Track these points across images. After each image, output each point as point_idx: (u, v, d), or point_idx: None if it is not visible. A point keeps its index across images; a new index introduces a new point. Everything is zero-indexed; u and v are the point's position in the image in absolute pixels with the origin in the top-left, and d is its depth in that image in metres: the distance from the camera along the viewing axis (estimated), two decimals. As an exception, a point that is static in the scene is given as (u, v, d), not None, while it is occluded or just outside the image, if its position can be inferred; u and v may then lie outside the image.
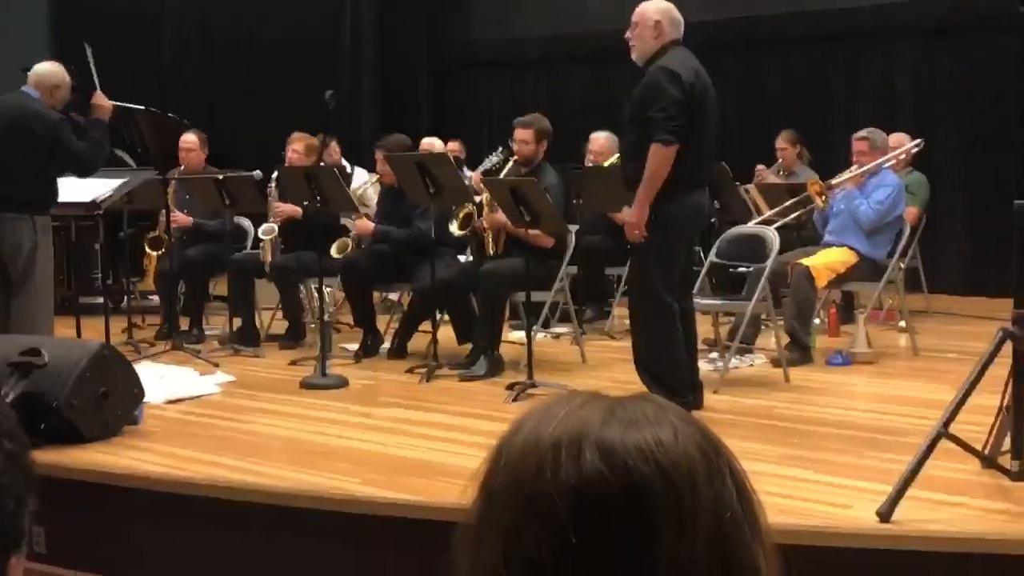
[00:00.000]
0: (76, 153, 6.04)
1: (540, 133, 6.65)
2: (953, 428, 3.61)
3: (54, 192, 6.14)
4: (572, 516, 0.96)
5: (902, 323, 7.24)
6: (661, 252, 4.94)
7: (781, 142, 8.60)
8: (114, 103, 6.59)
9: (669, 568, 0.95)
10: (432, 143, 8.02)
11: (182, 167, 7.82)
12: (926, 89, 9.52)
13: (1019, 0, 3.74)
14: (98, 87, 6.59)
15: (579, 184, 7.17)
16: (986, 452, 3.87)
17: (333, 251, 7.23)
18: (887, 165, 6.88)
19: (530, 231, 5.91)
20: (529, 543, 0.97)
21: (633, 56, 5.09)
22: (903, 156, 7.50)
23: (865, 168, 6.73)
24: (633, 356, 5.17)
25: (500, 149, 7.14)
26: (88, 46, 6.97)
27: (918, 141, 7.56)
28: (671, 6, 5.11)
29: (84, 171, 6.19)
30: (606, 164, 7.84)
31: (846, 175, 6.78)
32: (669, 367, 5.01)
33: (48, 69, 6.23)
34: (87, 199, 6.50)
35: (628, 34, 5.08)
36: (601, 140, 8.00)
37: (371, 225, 7.20)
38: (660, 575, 0.95)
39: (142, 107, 9.26)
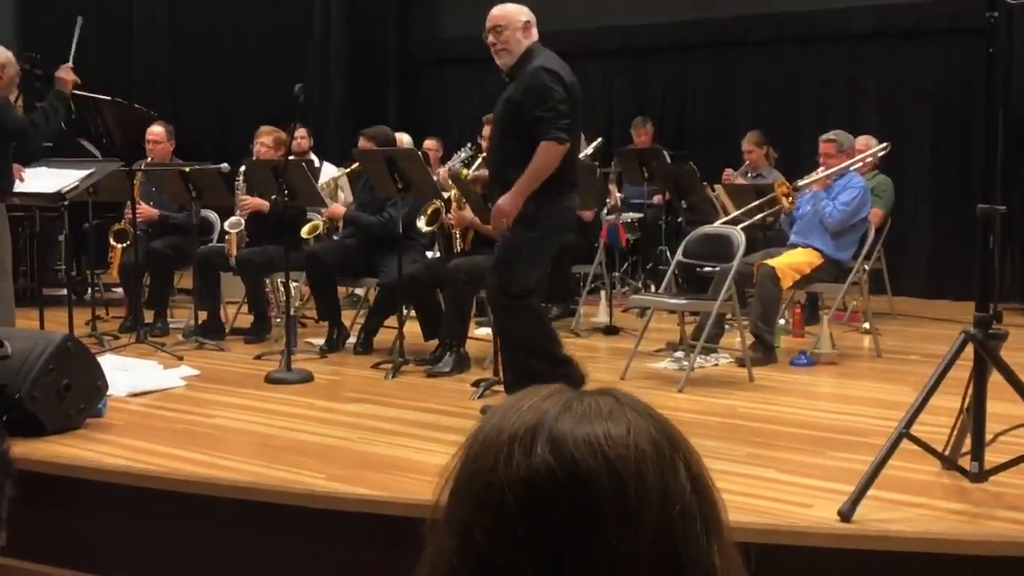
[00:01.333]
0: (17, 127, 5.93)
1: (509, 130, 6.65)
2: (914, 429, 3.64)
3: (7, 179, 6.03)
4: (520, 507, 0.97)
5: (866, 325, 7.30)
6: (535, 251, 4.89)
7: (748, 144, 8.65)
8: (83, 93, 6.54)
9: (613, 560, 0.96)
10: (401, 139, 7.99)
11: (148, 159, 7.77)
12: (892, 92, 9.60)
13: (987, 4, 3.77)
14: (71, 61, 6.51)
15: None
16: (947, 453, 3.91)
17: (304, 232, 7.22)
18: (853, 168, 6.93)
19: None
20: (480, 535, 0.98)
21: (502, 61, 4.97)
22: (870, 159, 7.56)
23: (832, 170, 6.78)
24: (504, 373, 5.08)
25: (469, 145, 7.15)
26: (80, 18, 6.90)
27: (885, 144, 7.62)
28: (525, 7, 5.04)
29: (31, 144, 6.07)
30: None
31: (813, 177, 6.83)
32: (546, 351, 4.96)
33: None
34: (52, 190, 6.42)
35: (491, 39, 4.94)
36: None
37: (341, 208, 7.20)
38: (604, 568, 0.96)
39: (108, 98, 9.18)
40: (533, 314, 4.96)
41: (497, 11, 4.98)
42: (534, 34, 4.97)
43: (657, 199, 9.01)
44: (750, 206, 7.23)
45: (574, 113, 4.83)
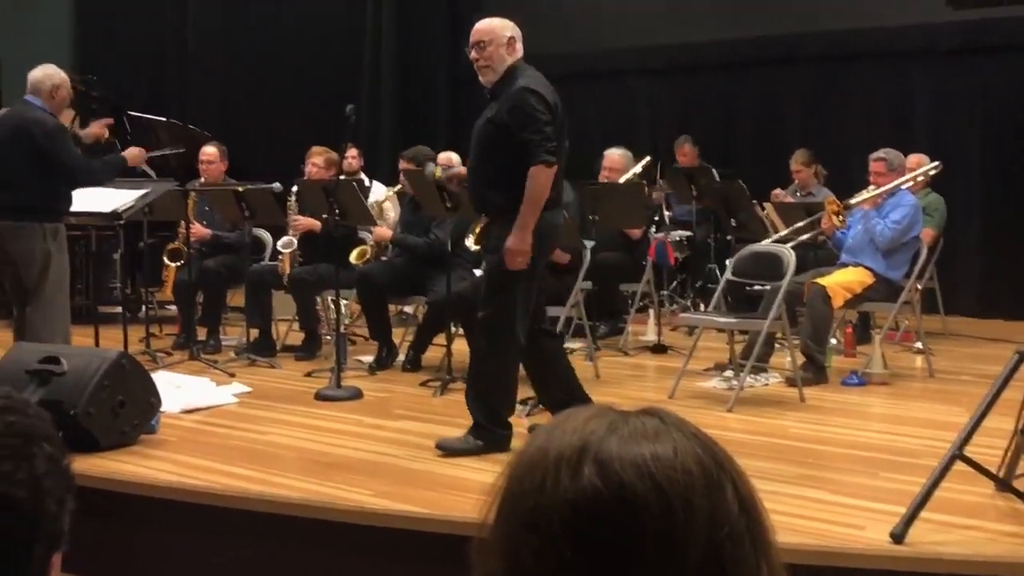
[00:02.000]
0: (66, 162, 6.02)
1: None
2: (968, 450, 3.60)
3: (64, 198, 6.14)
4: (568, 530, 0.97)
5: (918, 344, 7.22)
6: (527, 276, 4.74)
7: (796, 163, 8.58)
8: (138, 114, 6.68)
9: None
10: (450, 157, 8.05)
11: (202, 179, 7.87)
12: (942, 110, 9.49)
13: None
14: (148, 153, 6.75)
15: (595, 200, 7.19)
16: (1000, 475, 3.86)
17: (352, 257, 7.29)
18: (905, 186, 6.87)
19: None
20: (528, 556, 0.99)
21: (484, 78, 4.83)
22: (921, 178, 7.49)
23: (883, 188, 6.73)
24: (467, 388, 5.01)
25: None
26: (128, 115, 7.08)
27: (936, 163, 7.55)
28: (510, 22, 4.91)
29: (73, 184, 6.14)
30: (621, 180, 7.86)
31: (864, 195, 6.78)
32: (502, 399, 4.86)
33: (44, 72, 6.20)
34: (108, 209, 6.53)
35: (474, 55, 4.80)
36: (615, 157, 8.02)
37: (388, 232, 7.26)
38: None
39: (163, 119, 9.32)
40: (506, 361, 4.83)
41: (481, 25, 4.86)
42: (518, 51, 4.84)
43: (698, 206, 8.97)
44: (800, 224, 7.19)
45: (559, 134, 4.75)
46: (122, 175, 6.50)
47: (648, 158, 8.61)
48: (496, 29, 4.81)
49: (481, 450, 4.72)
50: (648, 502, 0.97)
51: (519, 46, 4.84)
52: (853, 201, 6.74)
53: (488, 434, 4.78)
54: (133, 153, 6.56)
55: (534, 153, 4.60)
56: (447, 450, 4.75)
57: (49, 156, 5.97)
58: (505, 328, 4.73)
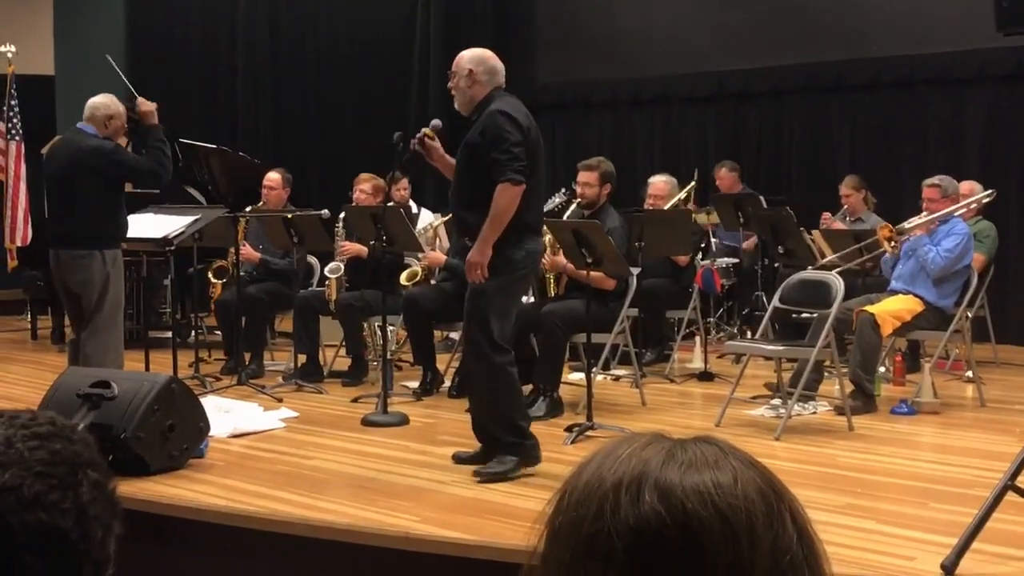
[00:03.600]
0: (138, 168, 6.20)
1: (604, 176, 6.70)
2: (1020, 481, 3.55)
3: (122, 224, 6.24)
4: (630, 556, 0.97)
5: (968, 373, 7.13)
6: (504, 297, 4.84)
7: (845, 188, 8.53)
8: (189, 142, 6.75)
9: None
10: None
11: (262, 203, 7.94)
12: (993, 136, 9.40)
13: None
14: (136, 94, 6.70)
15: (641, 227, 7.19)
16: (1054, 507, 3.80)
17: (403, 279, 7.34)
18: (958, 213, 6.80)
19: (591, 273, 5.93)
20: None
21: (456, 104, 4.99)
22: (974, 205, 7.41)
23: (937, 215, 6.66)
24: (472, 412, 5.05)
25: (563, 191, 7.19)
26: (108, 56, 7.11)
27: (990, 191, 7.47)
28: (487, 54, 5.02)
29: (155, 179, 6.33)
30: (666, 207, 7.86)
31: (916, 221, 6.71)
32: (516, 411, 4.92)
33: (100, 101, 6.31)
34: (159, 235, 6.62)
35: (452, 83, 4.99)
36: (660, 184, 8.02)
37: (442, 256, 7.31)
38: None
39: (214, 146, 9.44)
40: (507, 377, 4.89)
41: (462, 55, 5.02)
42: (484, 82, 4.93)
43: (748, 244, 8.96)
44: (848, 250, 7.14)
45: (533, 157, 4.81)
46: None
47: (693, 183, 8.59)
48: (461, 62, 5.00)
49: (518, 466, 4.77)
50: (712, 530, 0.97)
51: (482, 78, 4.95)
52: (907, 226, 6.68)
53: (516, 448, 4.83)
54: (148, 108, 6.39)
55: (500, 171, 4.70)
56: (486, 477, 4.76)
57: (120, 177, 6.16)
58: (489, 345, 4.81)
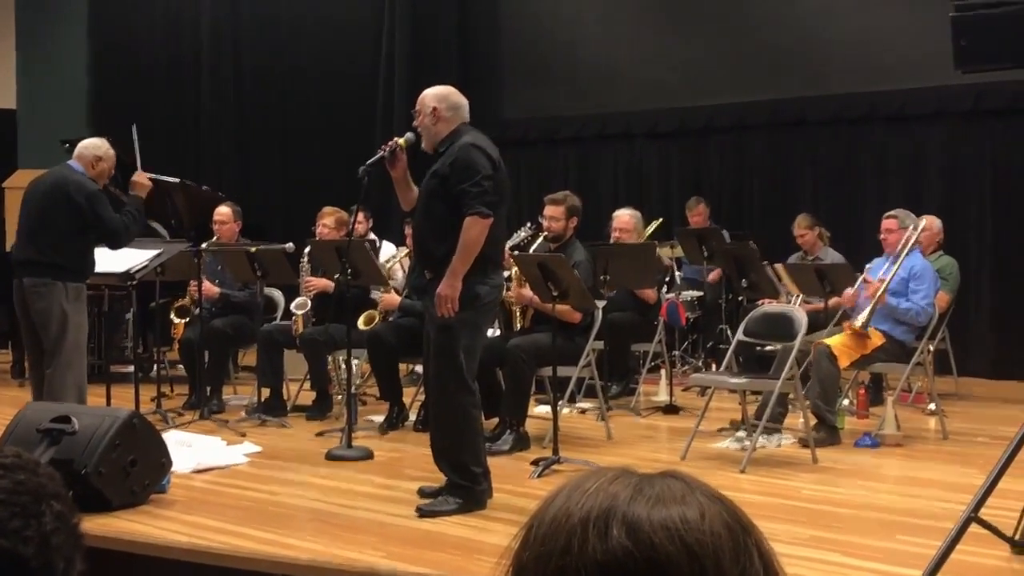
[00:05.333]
0: (108, 225, 6.14)
1: (570, 210, 6.73)
2: (983, 513, 3.58)
3: (89, 261, 6.23)
4: None
5: (931, 406, 7.18)
6: (470, 332, 4.83)
7: (799, 228, 8.52)
8: (150, 175, 6.73)
9: None
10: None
11: (215, 238, 7.92)
12: (953, 172, 9.52)
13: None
14: (139, 166, 6.76)
15: (606, 260, 7.22)
16: (1016, 537, 3.83)
17: (360, 323, 7.30)
18: (908, 250, 6.79)
19: (557, 306, 5.94)
20: None
21: (426, 141, 4.97)
22: (920, 242, 7.35)
23: (878, 293, 6.57)
24: (432, 446, 5.01)
25: (529, 224, 7.22)
26: (135, 127, 7.15)
27: (921, 225, 7.22)
28: (450, 90, 5.05)
29: (114, 243, 6.27)
30: (631, 241, 7.89)
31: (865, 312, 6.58)
32: (472, 455, 4.88)
33: (91, 142, 6.40)
34: (121, 270, 6.58)
35: (418, 120, 4.99)
36: (625, 217, 8.06)
37: (397, 298, 7.28)
38: None
39: (177, 180, 9.40)
40: (468, 419, 4.87)
41: (426, 93, 5.03)
42: (448, 119, 4.95)
43: (712, 276, 9.01)
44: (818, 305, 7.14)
45: (500, 193, 4.85)
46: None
47: (659, 220, 8.64)
48: (425, 99, 5.00)
49: (460, 509, 4.75)
50: (680, 565, 0.97)
51: (448, 115, 4.96)
52: (858, 325, 6.57)
53: (463, 491, 4.81)
54: (142, 182, 6.53)
55: (470, 204, 4.71)
56: (426, 512, 4.74)
57: (90, 220, 6.08)
58: (457, 383, 4.80)
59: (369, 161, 5.20)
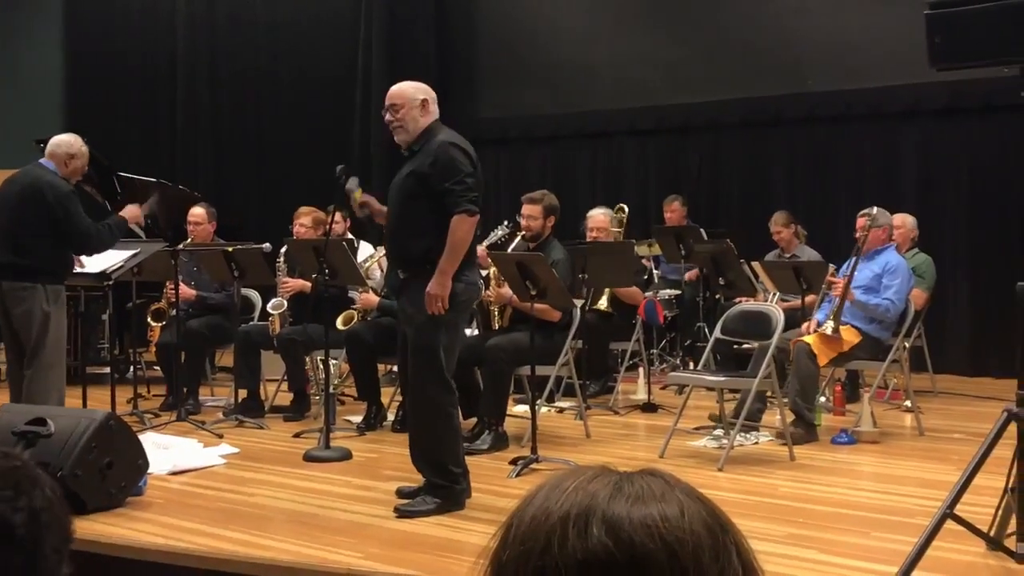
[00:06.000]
0: (80, 229, 6.06)
1: (548, 209, 6.74)
2: (959, 509, 3.60)
3: (67, 262, 6.18)
4: None
5: (907, 403, 7.22)
6: (449, 331, 4.83)
7: (776, 226, 8.54)
8: (128, 175, 6.72)
9: None
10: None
11: (190, 239, 7.89)
12: (928, 170, 9.58)
13: (1021, 83, 3.79)
14: (135, 205, 6.81)
15: (584, 259, 7.23)
16: (992, 534, 3.85)
17: (338, 323, 7.29)
18: (886, 248, 6.82)
19: (536, 305, 5.94)
20: None
21: (399, 138, 4.92)
22: (897, 240, 7.38)
23: (844, 289, 6.57)
24: (410, 446, 5.00)
25: (507, 223, 7.22)
26: (118, 175, 7.19)
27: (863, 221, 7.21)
28: (426, 85, 5.05)
29: (84, 249, 6.22)
30: (608, 240, 7.91)
31: (830, 324, 6.52)
32: (450, 455, 4.88)
33: (63, 139, 6.30)
34: (97, 270, 6.54)
35: (388, 117, 4.91)
36: (599, 217, 8.07)
37: (375, 298, 7.26)
38: None
39: (153, 179, 9.35)
40: (448, 420, 4.87)
41: (395, 89, 4.99)
42: (433, 112, 4.95)
43: (690, 274, 9.02)
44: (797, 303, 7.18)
45: (479, 190, 4.85)
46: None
47: (624, 214, 8.64)
48: (408, 92, 4.95)
49: (439, 509, 4.74)
50: (660, 563, 0.97)
51: (433, 108, 4.97)
52: (828, 331, 6.58)
53: (442, 491, 4.81)
54: (133, 212, 6.59)
55: (456, 203, 4.71)
56: (404, 513, 4.74)
57: (61, 222, 6.02)
58: (437, 382, 4.79)
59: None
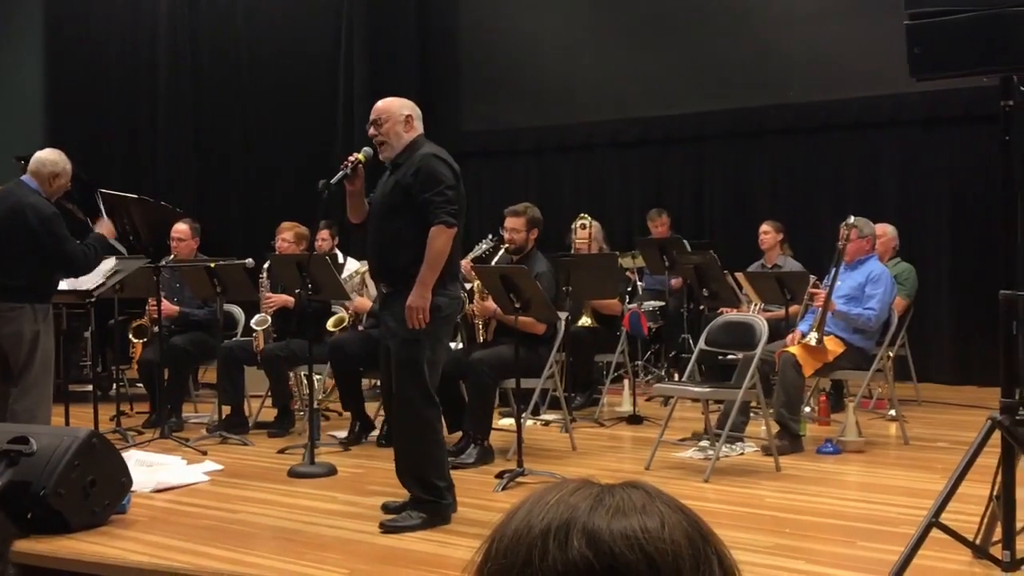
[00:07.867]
0: (66, 252, 6.00)
1: (531, 222, 6.73)
2: (944, 518, 3.60)
3: (53, 281, 6.15)
4: None
5: (892, 412, 7.24)
6: (433, 344, 4.82)
7: (765, 226, 8.58)
8: (110, 191, 6.70)
9: None
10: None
11: (173, 255, 7.86)
12: (910, 180, 9.63)
13: (1001, 93, 3.81)
14: (104, 216, 6.74)
15: (568, 271, 7.23)
16: (977, 542, 3.86)
17: (329, 324, 7.28)
18: (869, 258, 6.84)
19: (520, 318, 5.94)
20: None
21: (383, 153, 4.94)
22: (879, 248, 7.39)
23: (826, 299, 6.59)
24: (396, 461, 4.97)
25: (491, 236, 7.22)
26: (100, 191, 7.19)
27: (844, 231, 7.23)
28: (409, 101, 5.07)
29: (70, 271, 6.18)
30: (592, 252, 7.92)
31: (814, 335, 6.54)
32: (436, 470, 4.87)
33: (47, 158, 6.19)
34: (92, 285, 6.52)
35: (372, 131, 4.94)
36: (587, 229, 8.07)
37: (368, 302, 7.27)
38: None
39: (135, 196, 9.32)
40: (432, 433, 4.87)
41: (380, 104, 5.01)
42: (417, 128, 4.97)
43: (675, 282, 9.03)
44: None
45: (461, 205, 4.85)
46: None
47: (585, 217, 8.64)
48: (392, 108, 4.97)
49: (424, 524, 4.73)
50: (640, 574, 0.97)
51: (418, 124, 4.99)
52: (812, 342, 6.60)
53: (428, 506, 4.79)
54: (108, 228, 6.55)
55: (435, 214, 4.72)
56: (390, 528, 4.72)
57: (48, 246, 5.97)
58: (421, 396, 4.78)
59: (333, 180, 5.15)
